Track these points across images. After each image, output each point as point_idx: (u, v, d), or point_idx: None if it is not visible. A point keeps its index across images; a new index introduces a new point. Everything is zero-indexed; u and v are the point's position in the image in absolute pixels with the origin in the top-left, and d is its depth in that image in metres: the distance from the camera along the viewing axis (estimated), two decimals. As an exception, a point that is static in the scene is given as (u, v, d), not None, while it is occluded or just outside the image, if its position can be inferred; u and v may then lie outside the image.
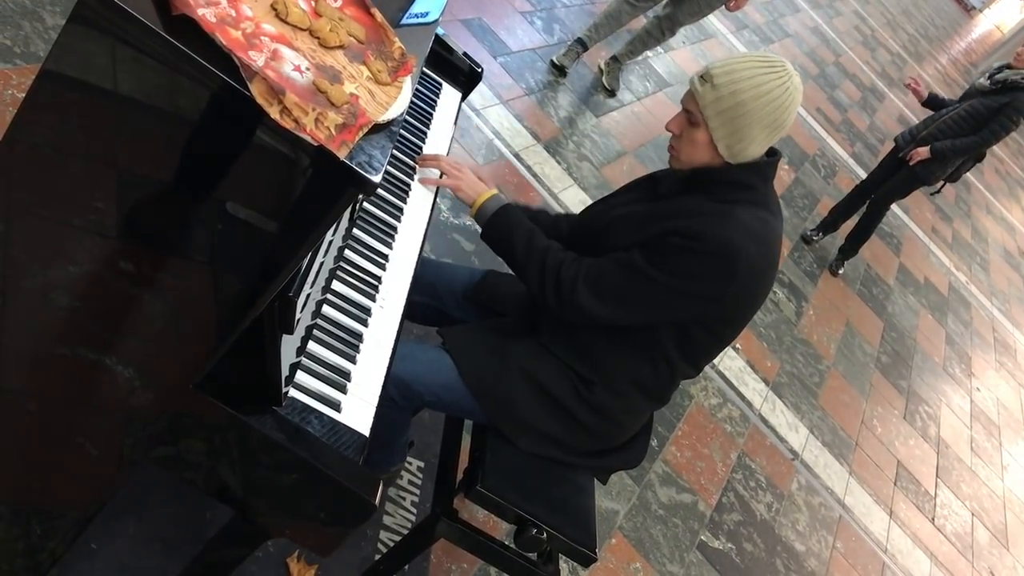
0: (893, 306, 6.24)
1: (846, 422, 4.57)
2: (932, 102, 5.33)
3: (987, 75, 4.95)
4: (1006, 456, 5.76)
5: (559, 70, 4.94)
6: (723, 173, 1.75)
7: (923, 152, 5.16)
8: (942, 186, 5.87)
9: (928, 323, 6.50)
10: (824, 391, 4.64)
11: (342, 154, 1.09)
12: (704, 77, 1.70)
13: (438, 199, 2.07)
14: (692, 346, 1.84)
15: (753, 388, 4.17)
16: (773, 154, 1.80)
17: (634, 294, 1.74)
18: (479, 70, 2.42)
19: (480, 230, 1.95)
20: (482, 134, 4.02)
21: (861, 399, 4.87)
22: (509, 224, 1.89)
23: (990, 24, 27.32)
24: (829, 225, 5.89)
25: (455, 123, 2.31)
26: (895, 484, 4.46)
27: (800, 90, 1.71)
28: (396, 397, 1.89)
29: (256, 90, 1.04)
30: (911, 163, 5.23)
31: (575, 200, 4.18)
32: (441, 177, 1.99)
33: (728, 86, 1.67)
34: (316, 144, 1.08)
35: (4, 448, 1.51)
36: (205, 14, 1.07)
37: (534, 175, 4.09)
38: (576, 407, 1.88)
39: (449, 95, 2.35)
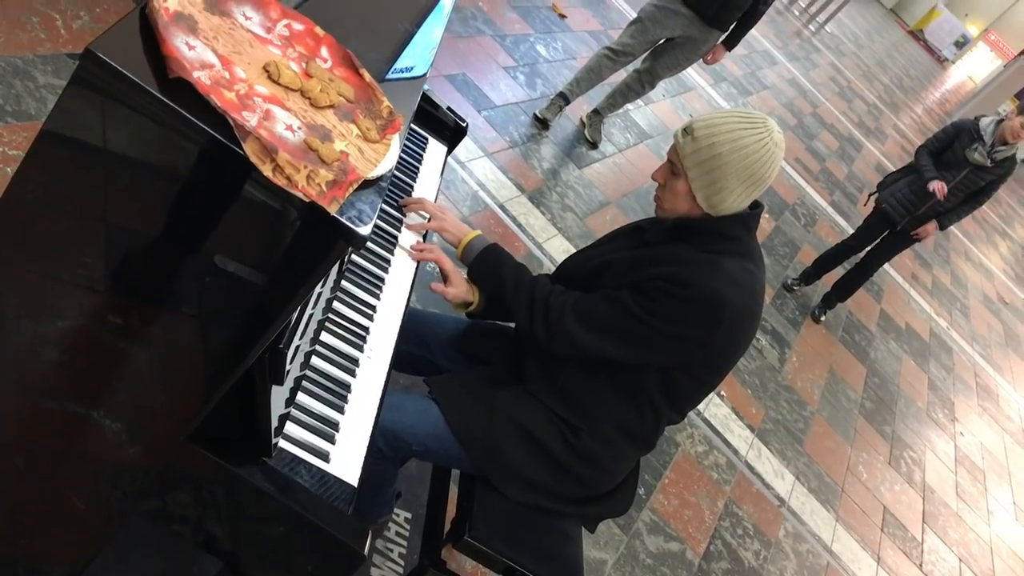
0: (875, 352, 6.29)
1: (832, 468, 4.58)
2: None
3: (985, 154, 4.98)
4: (992, 501, 5.77)
5: (542, 123, 5.03)
6: (708, 224, 1.80)
7: (932, 230, 5.31)
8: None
9: (910, 369, 6.55)
10: (809, 437, 4.66)
11: (333, 209, 1.12)
12: (687, 130, 1.77)
13: (424, 250, 2.10)
14: (676, 392, 1.87)
15: (739, 435, 4.19)
16: (756, 206, 1.85)
17: (620, 329, 1.78)
18: (464, 125, 2.47)
19: (466, 269, 1.98)
20: (467, 186, 4.08)
21: (846, 445, 4.89)
22: (497, 260, 1.93)
23: (963, 75, 27.90)
24: (811, 276, 5.96)
25: (441, 176, 2.36)
26: (882, 530, 4.46)
27: (781, 147, 1.76)
28: (383, 447, 1.90)
29: (250, 149, 1.08)
30: (920, 239, 5.39)
31: (560, 249, 4.23)
32: (428, 220, 2.03)
33: (707, 139, 1.73)
34: (308, 200, 1.11)
35: (-9, 503, 1.52)
36: (200, 76, 1.11)
37: (519, 225, 4.15)
38: (563, 454, 1.89)
39: (435, 149, 2.40)
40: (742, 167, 1.72)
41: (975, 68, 28.12)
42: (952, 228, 11.51)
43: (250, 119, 1.12)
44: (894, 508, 4.73)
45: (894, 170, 5.66)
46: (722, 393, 4.36)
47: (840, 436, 4.92)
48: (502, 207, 4.15)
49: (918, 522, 4.80)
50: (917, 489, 5.11)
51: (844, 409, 5.22)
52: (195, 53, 1.14)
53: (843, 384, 5.47)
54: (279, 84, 1.23)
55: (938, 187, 5.05)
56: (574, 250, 4.28)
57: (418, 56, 1.74)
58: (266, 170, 1.09)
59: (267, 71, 1.23)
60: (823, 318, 5.91)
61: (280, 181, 1.10)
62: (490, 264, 1.94)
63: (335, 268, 1.71)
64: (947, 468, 5.66)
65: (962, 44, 28.73)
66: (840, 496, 4.43)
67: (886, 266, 7.77)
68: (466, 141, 4.24)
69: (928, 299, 8.31)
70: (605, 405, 1.89)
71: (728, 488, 3.82)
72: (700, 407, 4.11)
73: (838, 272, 5.94)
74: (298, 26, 1.35)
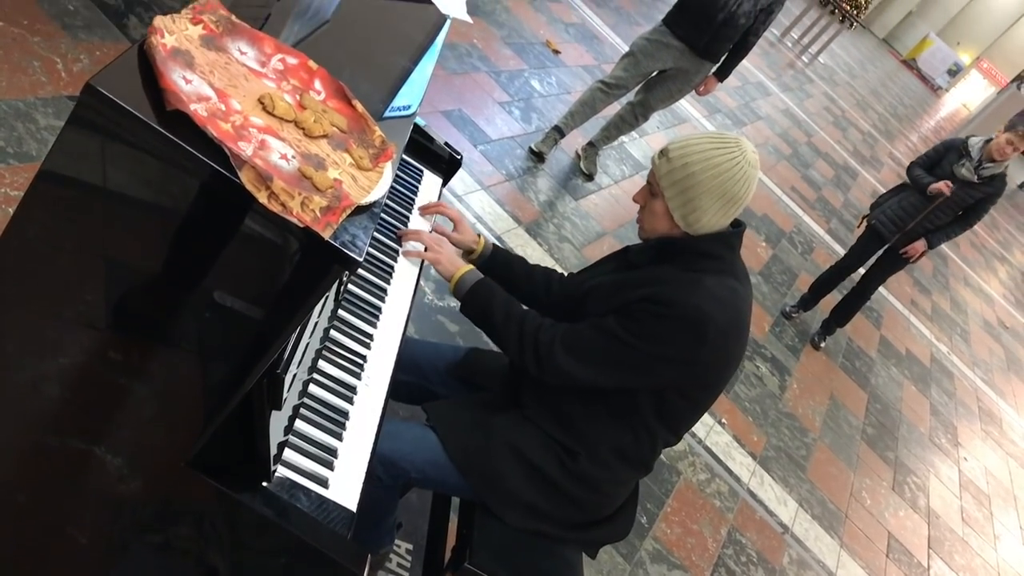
0: (876, 378, 6.29)
1: (835, 494, 4.57)
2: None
3: (972, 169, 5.04)
4: (998, 526, 5.74)
5: (538, 156, 5.09)
6: (688, 243, 1.84)
7: (921, 247, 5.32)
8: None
9: (912, 394, 6.55)
10: (811, 464, 4.65)
11: (327, 234, 1.15)
12: (663, 152, 1.83)
13: (422, 281, 2.13)
14: (670, 412, 1.89)
15: (740, 462, 4.18)
16: (738, 225, 1.89)
17: (609, 356, 1.81)
18: (459, 157, 2.51)
19: (459, 303, 2.01)
20: (465, 219, 4.11)
21: (849, 471, 4.88)
22: (487, 295, 1.95)
23: (957, 103, 28.15)
24: (809, 302, 5.98)
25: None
26: (887, 556, 4.44)
27: (755, 166, 1.81)
28: (383, 476, 1.91)
29: (246, 177, 1.11)
30: (911, 259, 5.40)
31: (557, 281, 4.25)
32: (425, 251, 2.06)
33: (680, 159, 1.78)
34: (302, 226, 1.14)
35: (-6, 539, 1.52)
36: (197, 109, 1.14)
37: (516, 257, 4.18)
38: (561, 478, 1.91)
39: (430, 181, 2.43)
40: (715, 185, 1.77)
41: (969, 96, 28.38)
42: (950, 254, 11.60)
43: (246, 149, 1.16)
44: (899, 534, 4.71)
45: (885, 191, 5.71)
46: (723, 421, 4.36)
47: (843, 462, 4.91)
48: (499, 239, 4.19)
49: (924, 547, 4.78)
50: (922, 514, 5.09)
51: (846, 435, 5.21)
52: (192, 86, 1.18)
53: (844, 410, 5.47)
54: (273, 115, 1.27)
55: (939, 186, 5.06)
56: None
57: (411, 93, 1.78)
58: (261, 197, 1.12)
59: (262, 103, 1.27)
60: (823, 344, 5.92)
61: (275, 208, 1.13)
62: (481, 297, 1.97)
63: (331, 296, 1.74)
64: (952, 493, 5.63)
65: (955, 72, 29.02)
66: (844, 522, 4.41)
67: (885, 292, 7.81)
68: (463, 175, 4.29)
69: (928, 324, 8.32)
70: (601, 428, 1.90)
71: (731, 516, 3.81)
72: (701, 435, 4.11)
73: (836, 298, 5.96)
74: (292, 60, 1.38)
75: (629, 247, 2.02)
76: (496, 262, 2.17)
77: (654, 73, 5.05)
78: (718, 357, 1.82)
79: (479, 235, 2.20)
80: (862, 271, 5.80)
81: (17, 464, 1.45)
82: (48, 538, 1.51)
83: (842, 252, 6.11)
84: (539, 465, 1.90)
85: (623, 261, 2.00)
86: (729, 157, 1.77)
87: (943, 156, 5.21)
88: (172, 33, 1.22)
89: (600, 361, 1.82)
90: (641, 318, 1.78)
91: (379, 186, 1.31)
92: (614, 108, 5.34)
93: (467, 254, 2.16)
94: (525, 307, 1.97)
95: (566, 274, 2.22)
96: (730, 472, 4.06)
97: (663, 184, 1.81)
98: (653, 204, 1.86)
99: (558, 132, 5.13)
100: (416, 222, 2.22)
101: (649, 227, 1.89)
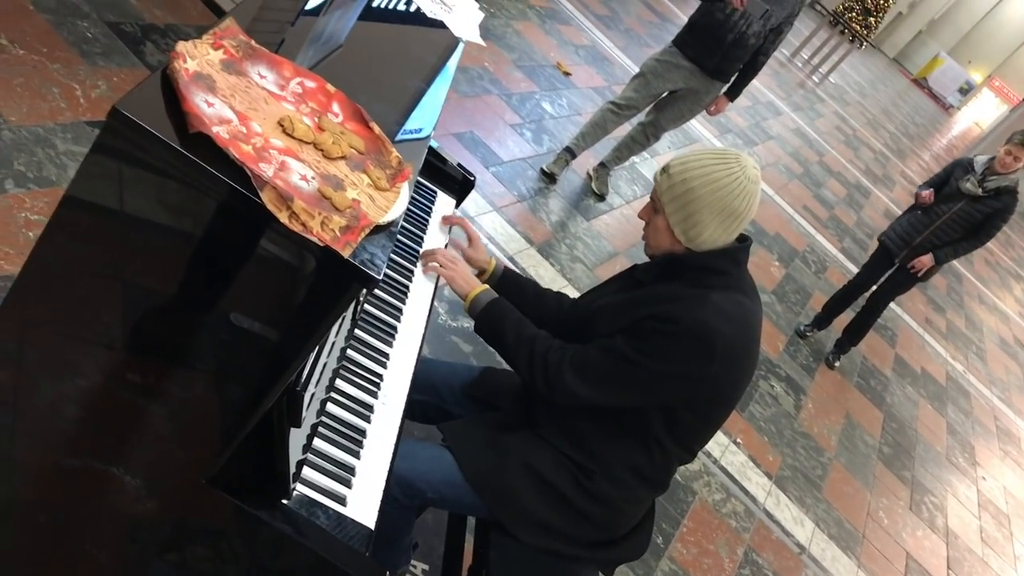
0: (892, 397, 6.26)
1: (851, 514, 4.54)
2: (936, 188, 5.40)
3: (976, 183, 5.07)
4: (1018, 546, 5.68)
5: (549, 177, 5.11)
6: (694, 260, 1.86)
7: (927, 262, 5.33)
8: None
9: (928, 413, 6.51)
10: (827, 483, 4.62)
11: (346, 253, 1.17)
12: (664, 169, 1.85)
13: (436, 302, 2.15)
14: (682, 430, 1.89)
15: (756, 482, 4.16)
16: (744, 240, 1.90)
17: (617, 377, 1.81)
18: (471, 178, 2.53)
19: (473, 322, 2.03)
20: (480, 240, 4.13)
21: (865, 491, 4.85)
22: (500, 315, 1.97)
23: (969, 121, 28.12)
24: (823, 320, 5.98)
25: (449, 229, 2.41)
26: (906, 576, 4.41)
27: (755, 181, 1.82)
28: (399, 496, 1.92)
29: (267, 197, 1.14)
30: (918, 274, 5.40)
31: (570, 301, 4.26)
32: (440, 267, 2.08)
33: (680, 175, 1.80)
34: (322, 244, 1.16)
35: (14, 560, 1.53)
36: (219, 131, 1.17)
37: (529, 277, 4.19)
38: (576, 496, 1.91)
39: (444, 202, 2.45)
40: (714, 200, 1.79)
41: (981, 114, 28.37)
42: (965, 272, 11.56)
43: (267, 170, 1.18)
44: (917, 554, 4.67)
45: (901, 213, 5.75)
46: (738, 441, 4.35)
47: (859, 482, 4.88)
48: (512, 259, 4.21)
49: (943, 568, 4.73)
50: (940, 534, 5.05)
51: (862, 455, 5.18)
52: (214, 110, 1.20)
53: (860, 429, 5.44)
54: (293, 137, 1.29)
55: (922, 195, 5.26)
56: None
57: (424, 117, 1.80)
58: (282, 217, 1.14)
59: (282, 125, 1.29)
60: (837, 364, 5.91)
61: (296, 227, 1.15)
62: (494, 317, 1.99)
63: (348, 316, 1.75)
64: (970, 513, 5.58)
65: (966, 91, 29.03)
66: (861, 542, 4.38)
67: (899, 311, 7.78)
68: (475, 196, 4.31)
69: (943, 343, 8.28)
70: (614, 446, 1.91)
71: (747, 536, 3.79)
72: (716, 455, 4.10)
73: (850, 317, 5.96)
74: (310, 83, 1.41)
75: (636, 266, 2.04)
76: (507, 284, 2.19)
77: (664, 94, 5.08)
78: (728, 372, 1.83)
79: (492, 257, 2.22)
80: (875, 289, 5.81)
81: (38, 484, 1.46)
82: (68, 557, 1.52)
83: (855, 271, 6.13)
84: (552, 482, 1.91)
85: (630, 280, 2.01)
86: (728, 172, 1.78)
87: (951, 174, 5.29)
88: (194, 58, 1.25)
89: (608, 382, 1.83)
90: (649, 336, 1.79)
91: (396, 206, 1.33)
92: (625, 129, 5.37)
93: (478, 275, 2.18)
94: (537, 328, 1.98)
95: (577, 297, 2.23)
96: (746, 492, 4.05)
97: (664, 200, 1.83)
98: (656, 220, 1.88)
99: (569, 153, 5.16)
100: (432, 239, 2.24)
101: (654, 243, 1.91)
